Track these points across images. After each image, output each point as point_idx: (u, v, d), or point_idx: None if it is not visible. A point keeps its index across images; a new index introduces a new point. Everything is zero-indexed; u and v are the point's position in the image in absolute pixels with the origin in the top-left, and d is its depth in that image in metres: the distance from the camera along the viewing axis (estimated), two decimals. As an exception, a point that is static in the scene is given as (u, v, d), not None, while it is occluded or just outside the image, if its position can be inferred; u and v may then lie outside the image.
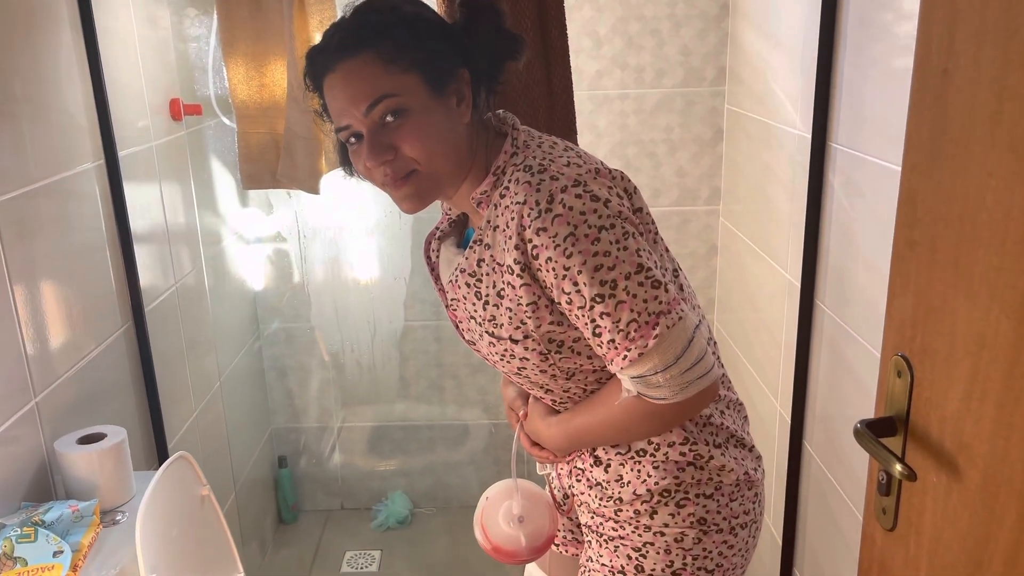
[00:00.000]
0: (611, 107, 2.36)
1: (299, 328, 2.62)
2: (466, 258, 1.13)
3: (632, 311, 0.99)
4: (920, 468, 0.87)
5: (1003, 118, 0.74)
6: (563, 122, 1.73)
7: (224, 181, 2.32)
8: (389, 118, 1.03)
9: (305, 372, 2.68)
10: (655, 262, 1.03)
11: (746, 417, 1.24)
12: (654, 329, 0.99)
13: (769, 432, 2.09)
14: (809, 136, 1.73)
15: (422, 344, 2.66)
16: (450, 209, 1.26)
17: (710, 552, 1.16)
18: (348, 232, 2.49)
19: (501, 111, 1.16)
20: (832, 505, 1.75)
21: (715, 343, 1.21)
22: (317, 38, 1.70)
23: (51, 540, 1.27)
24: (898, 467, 0.85)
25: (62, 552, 1.27)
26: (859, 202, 1.57)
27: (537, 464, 1.33)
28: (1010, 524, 0.75)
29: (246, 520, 2.42)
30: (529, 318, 1.06)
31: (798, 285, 1.83)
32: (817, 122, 1.70)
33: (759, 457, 1.21)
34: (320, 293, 2.57)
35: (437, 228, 1.28)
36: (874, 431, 0.91)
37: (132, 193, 1.76)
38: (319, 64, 1.07)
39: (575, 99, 1.77)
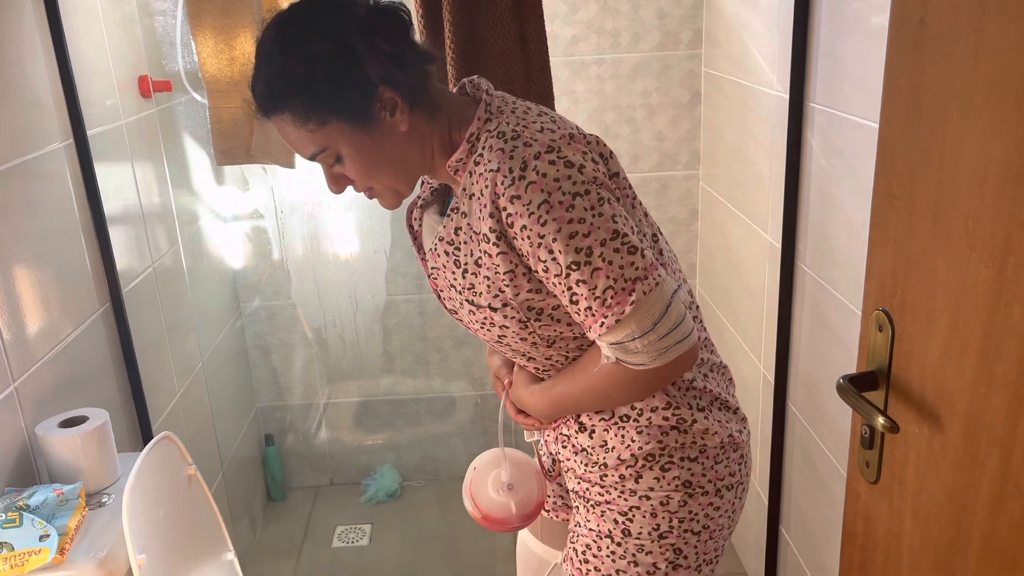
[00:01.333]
0: (588, 72, 2.34)
1: (280, 306, 2.60)
2: (444, 226, 1.12)
3: (608, 278, 0.99)
4: (902, 420, 0.88)
5: (980, 67, 0.73)
6: (540, 89, 1.72)
7: (198, 159, 2.29)
8: (330, 163, 1.08)
9: (288, 349, 2.66)
10: (631, 227, 1.02)
11: (731, 380, 1.24)
12: (631, 295, 0.98)
13: (753, 394, 2.11)
14: (787, 96, 1.72)
15: (406, 318, 2.65)
16: (432, 179, 1.25)
17: (696, 514, 1.16)
18: (326, 207, 2.46)
19: (476, 77, 1.14)
20: (817, 464, 1.77)
21: (697, 307, 1.21)
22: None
23: (36, 524, 1.26)
24: (880, 420, 0.85)
25: (48, 536, 1.26)
26: (838, 161, 1.57)
27: (525, 432, 1.33)
28: (992, 472, 0.76)
29: (235, 499, 2.42)
30: (507, 286, 1.05)
31: (779, 247, 1.83)
32: (795, 82, 1.69)
33: (744, 419, 1.22)
34: (300, 269, 2.55)
35: (419, 197, 1.27)
36: (856, 385, 0.91)
37: (104, 173, 1.73)
38: (256, 110, 1.08)
39: (551, 65, 1.75)
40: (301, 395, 2.72)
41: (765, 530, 2.05)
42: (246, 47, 1.74)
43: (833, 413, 1.67)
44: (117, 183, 1.82)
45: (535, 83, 1.72)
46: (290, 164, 1.80)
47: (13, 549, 1.23)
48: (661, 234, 1.17)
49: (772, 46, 1.84)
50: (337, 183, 1.11)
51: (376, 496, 2.71)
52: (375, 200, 1.14)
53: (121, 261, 1.78)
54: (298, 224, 2.49)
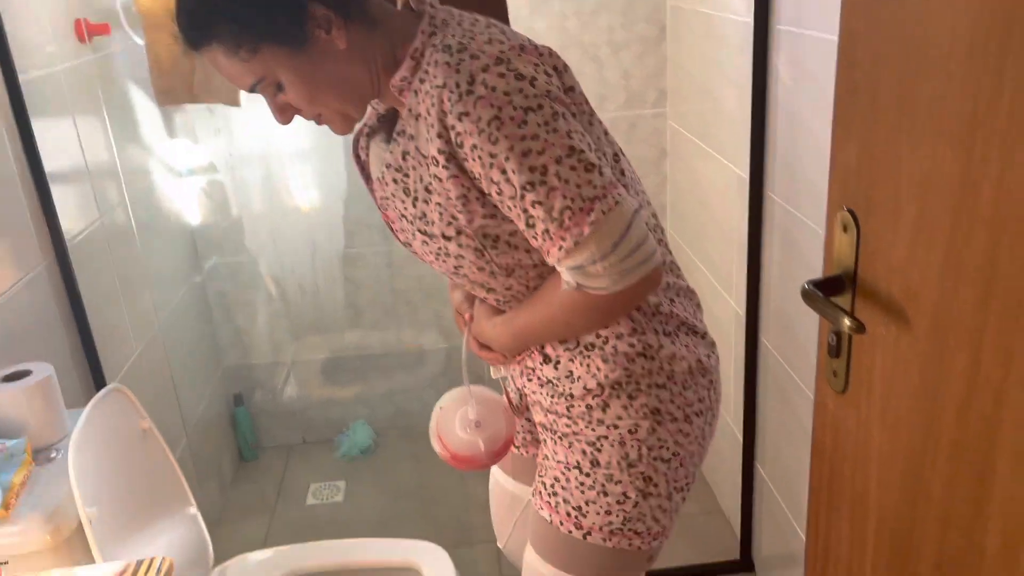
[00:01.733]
0: (549, 8, 2.27)
1: (241, 262, 2.53)
2: (391, 152, 1.06)
3: (565, 198, 0.93)
4: (869, 322, 0.84)
5: (944, -70, 0.68)
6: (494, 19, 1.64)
7: (144, 109, 2.19)
8: (272, 92, 1.02)
9: (252, 307, 2.60)
10: (588, 144, 0.96)
11: (698, 305, 1.20)
12: (589, 216, 0.93)
13: (726, 331, 2.08)
14: (752, 21, 1.66)
15: (373, 271, 2.59)
16: (378, 103, 1.18)
17: (665, 441, 1.13)
18: (279, 154, 2.38)
19: None
20: (791, 399, 1.75)
21: (662, 230, 1.16)
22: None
23: (-22, 480, 1.21)
24: (847, 321, 0.81)
25: (-9, 492, 1.20)
26: (805, 83, 1.52)
27: (491, 369, 1.29)
28: (961, 366, 0.72)
29: (202, 460, 2.37)
30: (460, 213, 1.00)
31: (747, 178, 1.79)
32: (760, 4, 1.63)
33: (713, 344, 1.18)
34: (256, 221, 2.47)
35: (365, 124, 1.20)
36: (822, 290, 0.87)
37: (41, 125, 1.64)
38: (184, 45, 1.01)
39: (510, 2, 1.68)
40: (268, 353, 2.66)
41: (740, 467, 2.04)
42: (183, -20, 1.65)
43: (806, 345, 1.64)
44: (57, 134, 1.73)
45: (489, 13, 1.65)
46: (235, 102, 1.72)
47: (-46, 506, 1.18)
48: (623, 155, 1.12)
49: (736, -32, 1.78)
50: (283, 113, 1.05)
51: (350, 452, 2.67)
52: (326, 141, 1.08)
53: (66, 215, 1.70)
54: (252, 176, 2.41)
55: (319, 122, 1.07)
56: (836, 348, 0.90)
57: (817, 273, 1.53)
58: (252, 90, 1.02)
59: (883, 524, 0.88)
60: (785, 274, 1.72)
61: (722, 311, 2.10)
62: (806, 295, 0.86)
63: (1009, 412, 0.68)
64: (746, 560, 2.09)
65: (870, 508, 0.90)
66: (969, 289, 0.70)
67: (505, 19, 1.68)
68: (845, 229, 0.87)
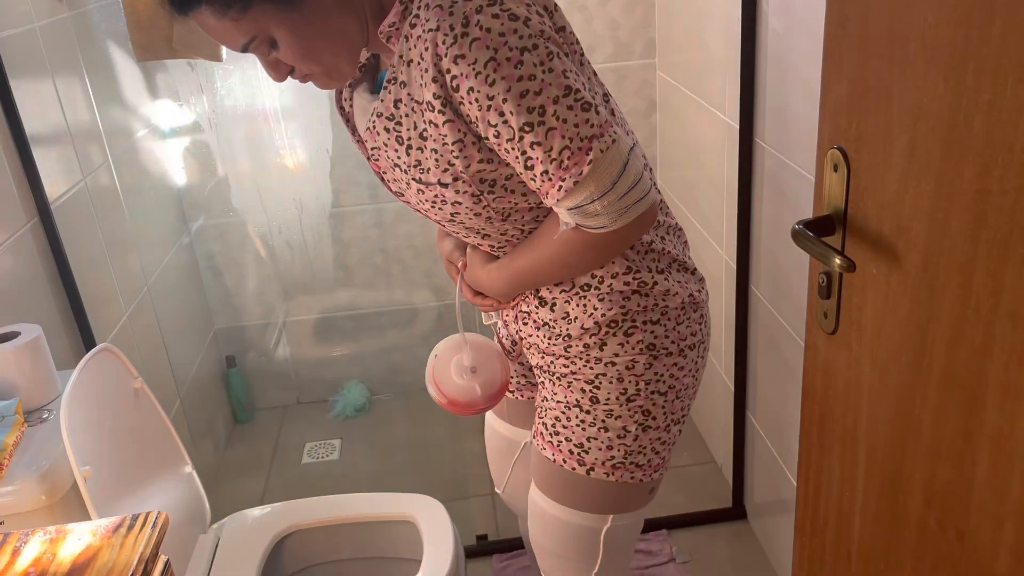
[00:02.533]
0: (535, -42, 2.22)
1: (229, 223, 2.50)
2: (381, 100, 1.04)
3: (564, 137, 0.93)
4: (860, 261, 0.84)
5: None
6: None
7: (125, 69, 2.15)
8: (265, 51, 1.00)
9: (241, 268, 2.58)
10: (583, 83, 0.96)
11: (686, 242, 1.22)
12: (587, 155, 0.93)
13: (716, 281, 2.08)
14: (741, -36, 1.63)
15: (363, 230, 2.57)
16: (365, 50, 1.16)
17: (661, 375, 1.15)
18: (263, 110, 2.34)
19: None
20: (782, 347, 1.75)
21: (650, 168, 1.16)
22: None
23: (-31, 441, 1.21)
24: (837, 260, 0.81)
25: (-17, 452, 1.20)
26: (795, 28, 1.50)
27: (482, 315, 1.29)
28: (951, 299, 0.72)
29: (197, 421, 2.37)
30: (456, 158, 0.99)
31: (737, 127, 1.77)
32: (747, -54, 1.60)
33: (702, 279, 1.20)
34: (242, 179, 2.44)
35: None
36: (812, 230, 0.87)
37: (20, 86, 1.61)
38: (171, 9, 0.97)
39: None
40: (260, 314, 2.65)
41: (732, 417, 2.05)
42: (158, -69, 1.60)
43: (796, 293, 1.64)
44: (37, 95, 1.70)
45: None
46: (217, 57, 1.68)
47: (-53, 468, 1.18)
48: (611, 96, 1.11)
49: (724, -89, 1.74)
50: (277, 70, 1.03)
51: (344, 411, 2.68)
52: (310, 95, 1.06)
53: (48, 176, 1.67)
54: (236, 132, 2.37)
55: (304, 80, 1.05)
56: (826, 289, 0.90)
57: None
58: (244, 50, 0.99)
59: (873, 461, 0.88)
60: (775, 223, 1.71)
61: (712, 262, 2.10)
62: (796, 235, 0.86)
63: (999, 343, 0.68)
64: (738, 508, 2.12)
65: (860, 446, 0.90)
66: (960, 221, 0.70)
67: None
68: (835, 168, 0.86)
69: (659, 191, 1.17)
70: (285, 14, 0.95)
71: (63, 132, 1.80)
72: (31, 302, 1.62)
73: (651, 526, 2.07)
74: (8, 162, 1.59)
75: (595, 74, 1.08)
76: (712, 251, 2.10)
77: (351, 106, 1.17)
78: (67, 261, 1.70)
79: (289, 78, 1.05)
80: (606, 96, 1.08)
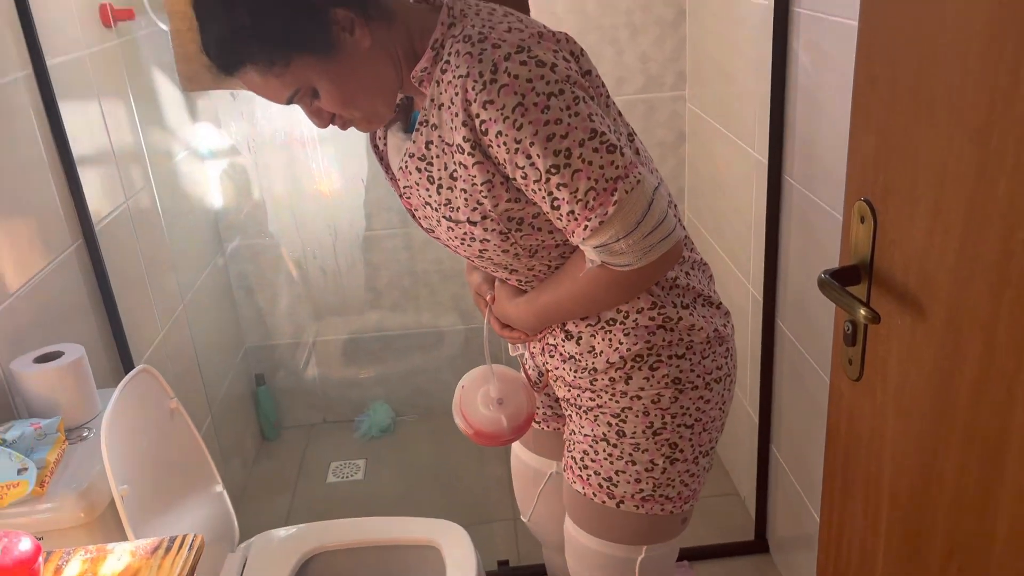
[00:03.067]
0: (568, -9, 2.26)
1: (263, 244, 2.56)
2: (414, 141, 1.08)
3: (589, 179, 0.96)
4: (885, 312, 0.85)
5: (964, -76, 0.69)
6: (514, 5, 1.65)
7: (168, 93, 2.22)
8: (309, 101, 1.04)
9: (273, 288, 2.63)
10: (608, 126, 0.99)
11: (711, 276, 1.24)
12: (612, 195, 0.96)
13: (743, 314, 2.09)
14: (771, 3, 1.65)
15: (392, 253, 2.61)
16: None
17: (688, 409, 1.17)
18: (300, 138, 2.40)
19: None
20: (807, 382, 1.76)
21: (675, 205, 1.18)
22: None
23: (14, 458, 1.25)
24: (862, 311, 0.82)
25: (27, 469, 1.24)
26: (825, 67, 1.52)
27: (509, 346, 1.32)
28: (975, 355, 0.74)
29: (226, 439, 2.41)
30: (485, 198, 1.02)
31: (766, 162, 1.79)
32: (779, -13, 1.63)
33: (727, 313, 1.22)
34: (278, 204, 2.50)
35: None
36: (839, 280, 0.88)
37: (69, 109, 1.67)
38: (217, 70, 1.02)
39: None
40: (290, 334, 2.70)
41: (756, 449, 2.05)
42: (207, -34, 1.66)
43: (822, 329, 1.65)
44: (84, 118, 1.76)
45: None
46: (259, 89, 1.74)
47: (-9, 483, 1.22)
48: (636, 135, 1.14)
49: (756, -49, 1.77)
50: (321, 118, 1.07)
51: (370, 432, 2.71)
52: (351, 130, 1.10)
53: (93, 198, 1.73)
54: (274, 159, 2.43)
55: (344, 127, 1.09)
56: (852, 336, 0.92)
57: (834, 258, 1.54)
58: (289, 103, 1.04)
59: (896, 508, 0.89)
60: (802, 258, 1.73)
61: (739, 294, 2.11)
62: (823, 285, 0.88)
63: (1021, 400, 0.69)
64: (761, 541, 2.12)
65: (883, 492, 0.91)
66: (983, 280, 0.72)
67: (526, 4, 1.69)
68: (862, 219, 0.88)
69: (684, 228, 1.19)
70: (324, 65, 1.00)
71: (108, 155, 1.86)
72: (73, 322, 1.67)
73: (672, 557, 2.08)
74: (56, 185, 1.65)
75: (620, 114, 1.11)
76: (738, 283, 2.11)
77: (385, 144, 1.21)
78: (108, 281, 1.76)
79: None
80: (631, 136, 1.11)
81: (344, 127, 1.09)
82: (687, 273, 1.16)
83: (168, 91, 2.21)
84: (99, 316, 1.77)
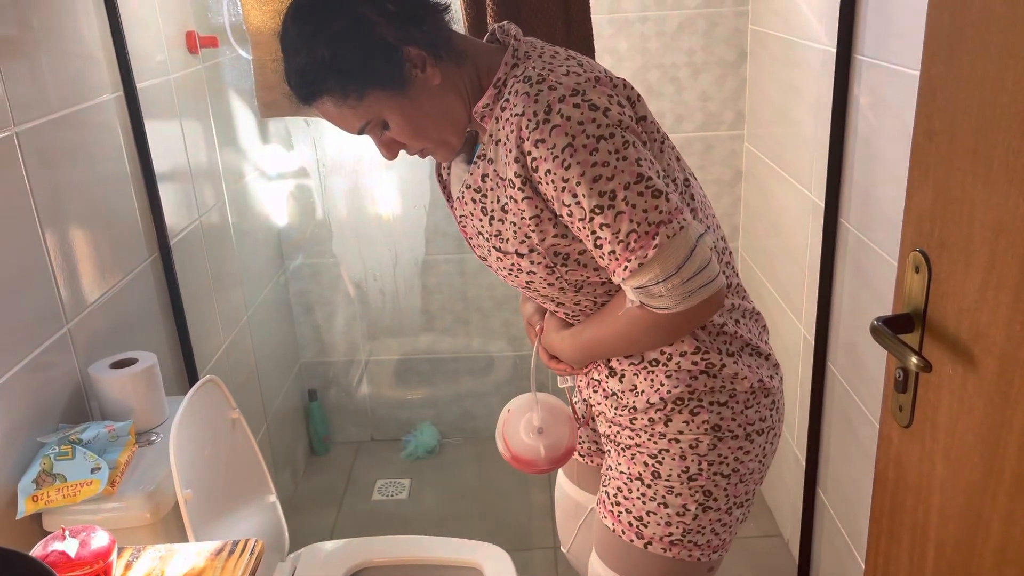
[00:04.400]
0: (631, 30, 2.31)
1: (324, 263, 2.65)
2: (471, 173, 1.13)
3: (632, 221, 0.99)
4: (936, 361, 0.87)
5: (1025, -8, 0.71)
6: (580, 43, 1.70)
7: (244, 116, 2.32)
8: (379, 132, 1.10)
9: (331, 307, 2.71)
10: (657, 171, 1.02)
11: (764, 327, 1.24)
12: (654, 239, 0.98)
13: (793, 355, 2.09)
14: (834, 50, 1.68)
15: (446, 278, 2.67)
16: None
17: (725, 458, 1.17)
18: (367, 164, 2.49)
19: (505, 23, 1.14)
20: (856, 426, 1.76)
21: (729, 253, 1.20)
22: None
23: (88, 457, 1.32)
24: (914, 360, 0.84)
25: (99, 469, 1.31)
26: (884, 114, 1.53)
27: (558, 378, 1.35)
28: (1025, 409, 0.75)
29: (278, 450, 2.49)
30: (533, 232, 1.06)
31: (822, 205, 1.80)
32: (842, 34, 1.65)
33: (777, 365, 1.21)
34: (342, 226, 2.59)
35: None
36: (891, 327, 0.90)
37: (152, 127, 1.77)
38: (295, 100, 1.09)
39: (594, 23, 1.73)
40: (344, 351, 2.77)
41: (802, 492, 2.04)
42: None
43: (873, 374, 1.65)
44: (165, 138, 1.87)
45: (575, 36, 1.71)
46: (332, 117, 1.82)
47: (66, 480, 1.29)
48: (694, 179, 1.16)
49: (820, -1, 1.80)
50: (390, 149, 1.13)
51: (416, 452, 2.76)
52: (414, 157, 1.16)
53: (169, 213, 1.82)
54: (340, 182, 2.52)
55: (423, 155, 1.15)
56: (903, 384, 0.93)
57: (888, 303, 1.55)
58: (360, 133, 1.10)
59: (942, 556, 0.90)
60: (855, 302, 1.73)
61: (790, 335, 2.12)
62: (875, 332, 0.89)
63: (1070, 456, 0.70)
64: (803, 584, 2.10)
65: (929, 540, 0.92)
66: (1036, 335, 0.73)
67: (590, 40, 1.74)
68: (917, 270, 0.90)
69: (737, 275, 1.21)
70: (396, 100, 1.06)
71: (185, 173, 1.96)
72: (145, 330, 1.75)
73: (712, 595, 2.07)
74: (138, 201, 1.74)
75: (678, 159, 1.14)
76: (790, 323, 2.12)
77: (449, 174, 1.26)
78: (180, 294, 1.84)
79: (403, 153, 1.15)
80: (687, 181, 1.13)
81: (422, 156, 1.15)
82: (736, 321, 1.17)
83: (244, 114, 2.31)
84: (169, 326, 1.85)
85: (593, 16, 1.72)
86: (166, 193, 1.82)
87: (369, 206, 2.56)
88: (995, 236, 0.78)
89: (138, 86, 1.71)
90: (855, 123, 1.67)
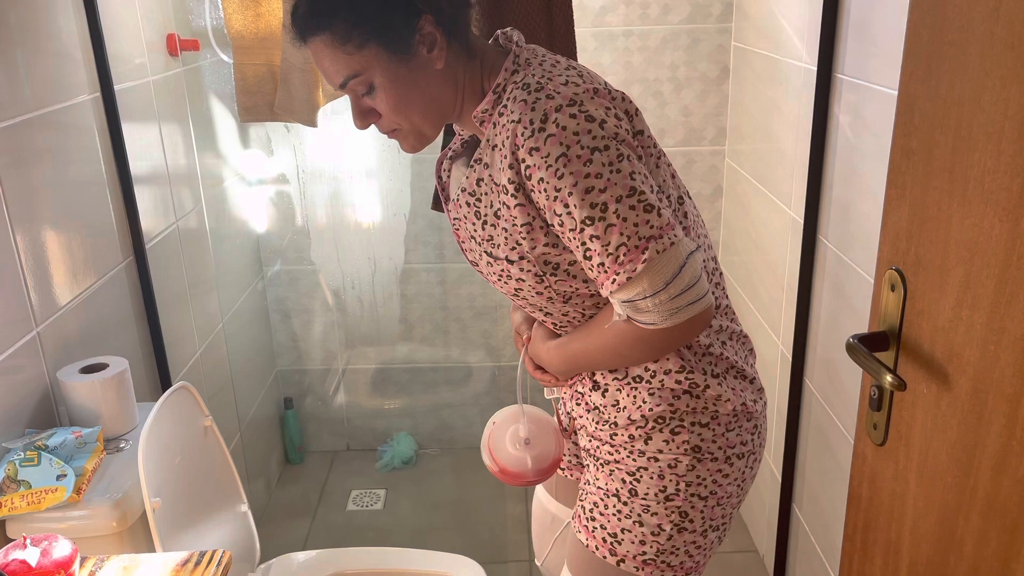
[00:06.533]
0: (615, 44, 2.32)
1: (302, 270, 2.62)
2: (467, 177, 1.12)
3: (622, 234, 0.98)
4: (911, 380, 0.87)
5: (1001, 14, 0.72)
6: (563, 53, 1.71)
7: (224, 121, 2.30)
8: (361, 91, 1.07)
9: (308, 314, 2.69)
10: (650, 186, 1.01)
11: (751, 350, 1.23)
12: (643, 253, 0.98)
13: (771, 372, 2.09)
14: (815, 68, 1.69)
15: (426, 287, 2.66)
16: (462, 130, 1.25)
17: (704, 479, 1.16)
18: (348, 171, 2.47)
19: (509, 29, 1.14)
20: (832, 442, 1.76)
21: (721, 274, 1.19)
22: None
23: (54, 464, 1.29)
24: (888, 378, 0.84)
25: (65, 475, 1.29)
26: (863, 132, 1.55)
27: (544, 389, 1.34)
28: (998, 428, 0.75)
29: (252, 459, 2.45)
30: (524, 239, 1.05)
31: (801, 222, 1.81)
32: (823, 53, 1.66)
33: (761, 390, 1.20)
34: (321, 233, 2.57)
35: (450, 148, 1.27)
36: (867, 345, 0.90)
37: (130, 130, 1.75)
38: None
39: (578, 36, 1.73)
40: (320, 360, 2.75)
41: (777, 508, 2.04)
42: (272, 3, 1.75)
43: (850, 391, 1.65)
44: (143, 140, 1.84)
45: (558, 47, 1.71)
46: (312, 123, 1.80)
47: (31, 487, 1.26)
48: (689, 197, 1.16)
49: (802, 18, 1.82)
50: (363, 117, 1.10)
51: (392, 463, 2.74)
52: (394, 160, 1.14)
53: (145, 217, 1.80)
54: (320, 189, 2.50)
55: (391, 135, 1.12)
56: (878, 402, 0.93)
57: (865, 321, 1.56)
58: (343, 86, 1.07)
59: (914, 574, 0.90)
60: (833, 320, 1.74)
61: (768, 350, 2.12)
62: (851, 349, 0.89)
63: (1042, 477, 0.70)
64: (777, 601, 2.10)
65: (902, 558, 0.92)
66: (1009, 355, 0.73)
67: (573, 53, 1.75)
68: (892, 288, 0.90)
69: (727, 296, 1.21)
70: (393, 65, 1.04)
71: (163, 176, 1.94)
72: (118, 335, 1.73)
73: (687, 610, 2.06)
74: (113, 204, 1.72)
75: (673, 176, 1.13)
76: (768, 339, 2.12)
77: (448, 176, 1.25)
78: (154, 298, 1.82)
79: (383, 135, 1.12)
80: (681, 199, 1.12)
81: (391, 135, 1.12)
82: (723, 343, 1.16)
83: (224, 118, 2.29)
84: (142, 331, 1.82)
85: (577, 29, 1.73)
86: (142, 196, 1.79)
87: (349, 213, 2.55)
88: (970, 255, 0.78)
89: (116, 88, 1.69)
90: (834, 141, 1.68)
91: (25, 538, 0.99)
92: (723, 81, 2.36)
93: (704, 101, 2.38)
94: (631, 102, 1.07)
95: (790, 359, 1.92)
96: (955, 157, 0.79)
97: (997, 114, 0.73)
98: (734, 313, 1.21)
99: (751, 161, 2.23)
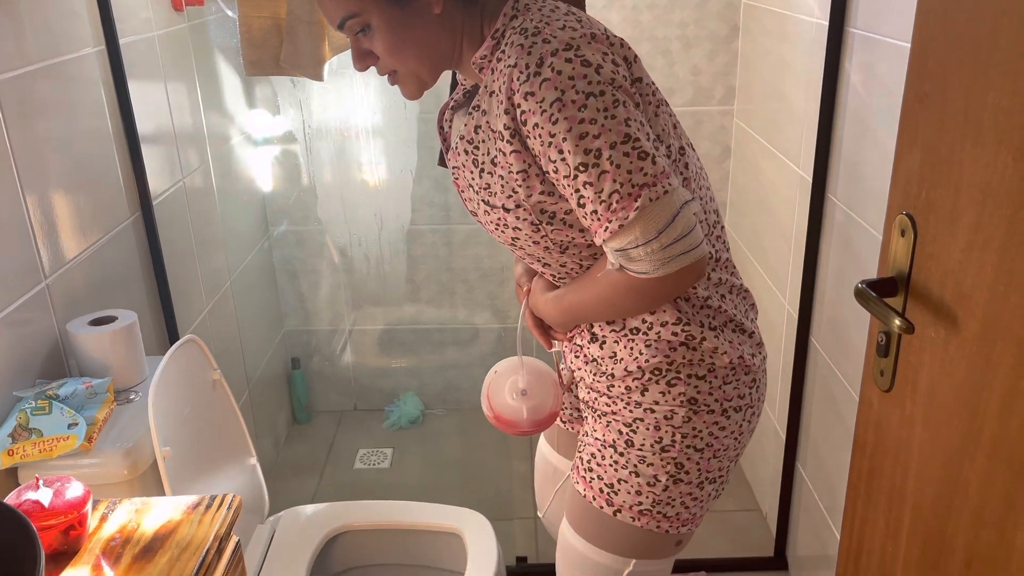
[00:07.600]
0: (624, 2, 2.29)
1: (308, 231, 2.63)
2: (465, 125, 1.12)
3: (615, 181, 0.97)
4: (919, 324, 0.87)
5: (1021, -52, 0.71)
6: (572, 3, 1.68)
7: (229, 78, 2.29)
8: (359, 33, 1.07)
9: (315, 274, 2.69)
10: (646, 134, 1.00)
11: (752, 305, 1.22)
12: (636, 201, 0.96)
13: (777, 330, 2.10)
14: (827, 23, 1.67)
15: (432, 248, 2.66)
16: (464, 79, 1.24)
17: (700, 431, 1.16)
18: (354, 129, 2.46)
19: None
20: (837, 400, 1.77)
21: (722, 227, 1.19)
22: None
23: (65, 413, 1.31)
24: (897, 321, 0.84)
25: (76, 424, 1.30)
26: (875, 88, 1.53)
27: None
28: (1006, 370, 0.75)
29: (260, 418, 2.48)
30: (520, 187, 1.05)
31: (810, 180, 1.80)
32: (835, 6, 1.64)
33: (760, 344, 1.20)
34: (328, 191, 2.57)
35: (452, 98, 1.26)
36: (875, 291, 0.90)
37: (136, 86, 1.74)
38: None
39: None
40: (327, 320, 2.76)
41: (781, 465, 2.06)
42: (277, -45, 1.72)
43: (855, 348, 1.66)
44: (149, 96, 1.83)
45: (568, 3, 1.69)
46: (318, 76, 1.79)
47: (42, 435, 1.28)
48: (692, 148, 1.15)
49: (814, -30, 1.79)
50: (362, 59, 1.10)
51: (398, 422, 2.76)
52: (399, 116, 1.14)
53: (152, 173, 1.80)
54: (327, 147, 2.49)
55: (392, 80, 1.12)
56: (885, 347, 0.93)
57: (872, 276, 1.55)
58: (340, 26, 1.07)
59: (918, 519, 0.91)
60: (840, 278, 1.73)
61: (774, 310, 2.12)
62: (859, 294, 0.89)
63: (1049, 416, 0.70)
64: (780, 559, 2.12)
65: (906, 503, 0.93)
66: (1019, 296, 0.73)
67: (582, 3, 1.72)
68: (903, 233, 0.89)
69: (728, 250, 1.20)
70: (390, 6, 1.03)
71: (169, 134, 1.93)
72: (126, 290, 1.73)
73: (691, 566, 2.09)
74: (120, 159, 1.71)
75: (675, 126, 1.12)
76: (775, 299, 2.12)
77: (450, 126, 1.24)
78: (161, 254, 1.82)
79: (384, 81, 1.11)
80: (683, 149, 1.11)
81: (391, 80, 1.12)
82: (722, 296, 1.15)
83: (230, 76, 2.28)
84: (150, 286, 1.83)
85: (586, -18, 1.70)
86: (149, 152, 1.79)
87: (355, 171, 2.54)
88: (982, 197, 0.77)
89: (121, 41, 1.68)
90: (845, 98, 1.67)
91: (38, 479, 1.00)
92: (733, 39, 2.33)
93: (713, 60, 2.36)
94: (630, 49, 1.05)
95: (796, 317, 1.92)
96: (969, 97, 0.78)
97: (1014, 54, 0.72)
98: (735, 268, 1.21)
99: (760, 120, 2.21)
